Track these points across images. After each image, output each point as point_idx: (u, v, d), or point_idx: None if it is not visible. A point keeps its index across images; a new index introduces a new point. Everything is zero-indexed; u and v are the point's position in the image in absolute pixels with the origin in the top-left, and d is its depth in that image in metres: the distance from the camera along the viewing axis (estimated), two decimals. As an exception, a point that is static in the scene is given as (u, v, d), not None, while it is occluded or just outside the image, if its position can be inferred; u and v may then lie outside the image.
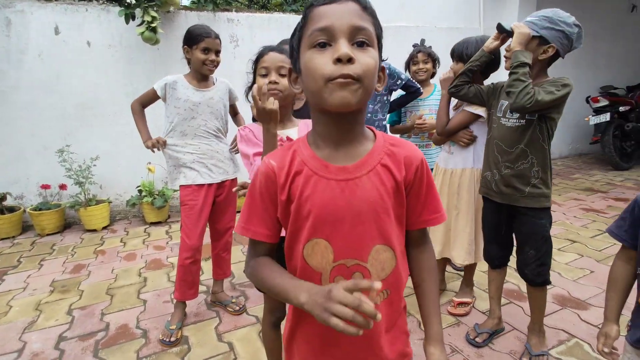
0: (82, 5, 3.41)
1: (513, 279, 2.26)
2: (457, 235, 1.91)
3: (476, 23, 4.90)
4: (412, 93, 2.34)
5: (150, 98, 1.97)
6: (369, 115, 2.19)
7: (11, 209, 3.35)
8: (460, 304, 2.00)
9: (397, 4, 4.49)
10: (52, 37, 3.36)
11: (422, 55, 2.33)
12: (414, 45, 2.44)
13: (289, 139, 1.20)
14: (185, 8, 3.83)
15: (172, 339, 1.79)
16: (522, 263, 1.59)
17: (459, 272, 2.42)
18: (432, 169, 1.97)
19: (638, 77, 5.73)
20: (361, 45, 0.64)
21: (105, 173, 3.64)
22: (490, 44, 1.59)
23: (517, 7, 4.79)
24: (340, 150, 0.71)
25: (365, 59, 0.63)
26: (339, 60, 0.61)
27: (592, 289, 2.18)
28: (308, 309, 0.63)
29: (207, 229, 2.02)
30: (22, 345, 1.84)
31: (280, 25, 4.00)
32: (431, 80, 2.44)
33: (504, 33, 1.53)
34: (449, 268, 2.45)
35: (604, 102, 4.92)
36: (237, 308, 2.05)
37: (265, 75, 1.21)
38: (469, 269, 2.06)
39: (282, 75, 1.21)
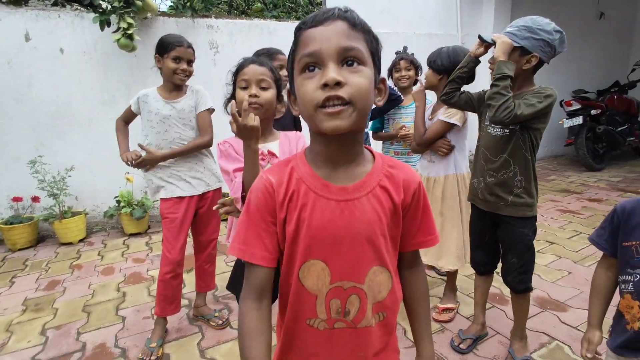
0: (54, 12, 3.30)
1: (495, 282, 2.29)
2: (444, 242, 1.93)
3: (454, 30, 5.00)
4: (392, 101, 2.35)
5: (129, 114, 1.94)
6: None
7: (-21, 224, 3.19)
8: (445, 310, 2.02)
9: (377, 11, 4.54)
10: (22, 43, 3.23)
11: (404, 62, 2.35)
12: (397, 53, 2.46)
13: (270, 152, 1.18)
14: (163, 14, 3.76)
15: (153, 357, 1.73)
16: (506, 271, 1.61)
17: (442, 277, 2.44)
18: None
19: (607, 81, 5.96)
20: (352, 65, 0.63)
21: (81, 184, 3.52)
22: (476, 49, 1.57)
23: (493, 13, 4.95)
24: (340, 170, 0.70)
25: (356, 80, 0.62)
26: (326, 85, 0.60)
27: (570, 290, 2.24)
28: None
29: (192, 241, 1.98)
30: (-9, 370, 1.75)
31: (261, 32, 3.98)
32: (414, 87, 2.46)
33: (486, 44, 1.53)
34: (432, 273, 2.47)
35: (576, 106, 5.10)
36: (221, 322, 2.00)
37: (245, 88, 1.19)
38: (452, 275, 2.08)
39: (263, 89, 1.19)
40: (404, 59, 2.35)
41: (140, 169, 1.89)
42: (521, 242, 1.54)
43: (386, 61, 2.55)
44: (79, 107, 3.45)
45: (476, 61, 1.62)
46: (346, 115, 0.61)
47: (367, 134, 2.32)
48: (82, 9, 3.34)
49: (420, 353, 0.80)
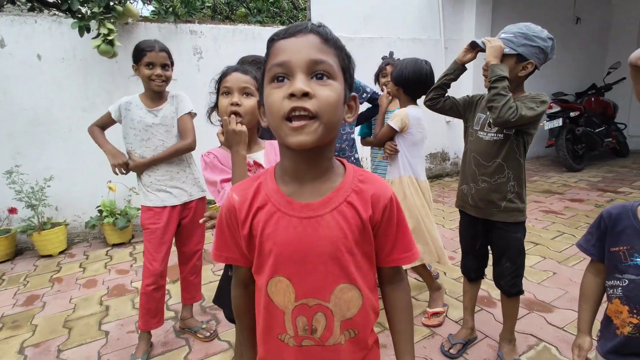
0: (31, 17, 3.21)
1: (483, 285, 2.31)
2: None
3: (437, 34, 5.08)
4: (377, 106, 2.37)
5: (106, 120, 1.88)
6: (337, 129, 2.19)
7: (-48, 237, 3.06)
8: (434, 314, 2.02)
9: (361, 16, 4.57)
10: (-3, 50, 3.13)
11: (390, 67, 2.37)
12: (383, 58, 2.48)
13: (256, 163, 1.16)
14: (145, 19, 3.69)
15: (138, 373, 1.68)
16: (499, 275, 1.62)
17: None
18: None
19: (585, 83, 6.15)
20: (321, 78, 0.62)
21: (61, 193, 3.41)
22: (463, 56, 1.57)
23: (474, 18, 5.05)
24: (306, 186, 0.69)
25: (324, 93, 0.61)
26: (293, 95, 0.60)
27: (555, 290, 2.27)
28: None
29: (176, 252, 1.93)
30: (-35, 393, 1.66)
31: (245, 37, 3.95)
32: None
33: (477, 48, 1.53)
34: (415, 275, 2.48)
35: (556, 108, 5.23)
36: (208, 334, 1.96)
37: (227, 94, 1.17)
38: (424, 275, 2.11)
39: (247, 96, 1.17)
40: (390, 64, 2.37)
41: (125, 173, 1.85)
42: (514, 247, 1.55)
43: (372, 66, 2.60)
44: (58, 115, 3.35)
45: (462, 68, 1.62)
46: (311, 130, 0.61)
47: (354, 139, 2.32)
48: (60, 14, 3.25)
49: None
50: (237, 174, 1.08)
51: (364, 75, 2.65)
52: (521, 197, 1.53)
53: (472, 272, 1.75)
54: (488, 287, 2.29)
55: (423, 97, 1.99)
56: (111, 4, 3.10)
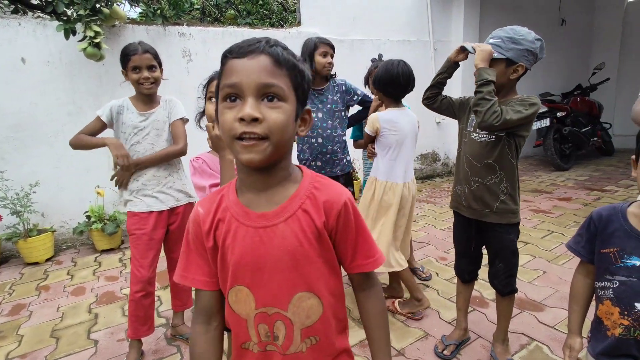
0: (14, 19, 3.14)
1: (475, 285, 2.33)
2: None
3: (426, 36, 5.12)
4: (367, 108, 2.37)
5: (95, 127, 1.80)
6: (329, 131, 2.19)
7: None
8: (398, 304, 2.13)
9: (351, 18, 4.58)
10: (-21, 53, 3.06)
11: None
12: (372, 60, 2.48)
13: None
14: (133, 22, 3.64)
15: (128, 383, 1.65)
16: (493, 275, 1.64)
17: (423, 283, 2.46)
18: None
19: (571, 84, 6.26)
20: (271, 100, 0.64)
21: (48, 199, 3.34)
22: (456, 56, 1.58)
23: (462, 20, 5.11)
24: (262, 195, 0.71)
25: (273, 116, 0.63)
26: (242, 119, 0.62)
27: (546, 289, 2.30)
28: None
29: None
30: (-52, 408, 1.61)
31: (235, 39, 3.89)
32: None
33: (466, 52, 1.55)
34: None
35: (543, 109, 5.30)
36: (200, 341, 1.93)
37: (212, 99, 1.16)
38: (404, 279, 2.13)
39: None
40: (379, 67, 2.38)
41: (117, 184, 1.81)
42: (508, 248, 1.57)
43: (362, 68, 2.61)
44: (43, 119, 3.28)
45: (455, 66, 1.64)
46: (261, 149, 0.63)
47: (346, 142, 2.32)
48: (44, 16, 3.19)
49: None
50: (225, 178, 1.08)
51: (354, 76, 2.66)
52: (514, 198, 1.54)
53: (466, 274, 1.75)
54: (480, 287, 2.31)
55: (408, 96, 2.02)
56: (97, 6, 3.05)
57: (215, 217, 0.72)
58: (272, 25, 4.95)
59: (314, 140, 2.19)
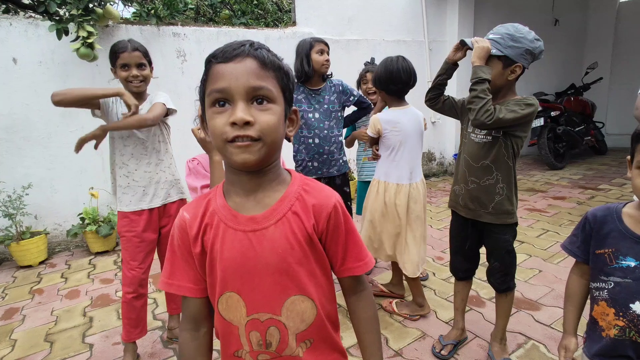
0: (5, 20, 3.10)
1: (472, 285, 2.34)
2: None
3: (421, 36, 5.13)
4: (364, 109, 2.39)
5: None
6: (325, 131, 2.19)
7: None
8: (395, 304, 2.15)
9: (346, 19, 4.58)
10: (-30, 54, 3.01)
11: (370, 74, 2.40)
12: (365, 64, 2.50)
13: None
14: (126, 22, 3.61)
15: (124, 387, 1.63)
16: (489, 273, 1.66)
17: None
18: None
19: (564, 83, 6.31)
20: (261, 102, 0.64)
21: (41, 201, 3.30)
22: (453, 55, 1.58)
23: (457, 20, 5.12)
24: (251, 198, 0.70)
25: (264, 118, 0.63)
26: (235, 124, 0.61)
27: (542, 288, 2.31)
28: None
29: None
30: (-60, 415, 1.58)
31: (230, 39, 3.85)
32: None
33: (466, 47, 1.53)
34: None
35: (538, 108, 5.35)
36: (197, 343, 1.91)
37: None
38: (411, 285, 2.10)
39: None
40: (370, 71, 2.42)
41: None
42: (502, 248, 1.57)
43: (357, 68, 2.60)
44: (35, 121, 3.24)
45: (453, 66, 1.63)
46: (255, 150, 0.63)
47: (342, 142, 2.33)
48: (36, 16, 3.15)
49: None
50: (214, 179, 1.09)
51: (349, 77, 2.66)
52: (511, 199, 1.54)
53: (460, 272, 1.76)
54: (476, 286, 2.31)
55: (408, 96, 2.01)
56: (90, 6, 3.02)
57: (202, 221, 0.70)
58: (267, 26, 4.93)
59: (310, 140, 2.19)
